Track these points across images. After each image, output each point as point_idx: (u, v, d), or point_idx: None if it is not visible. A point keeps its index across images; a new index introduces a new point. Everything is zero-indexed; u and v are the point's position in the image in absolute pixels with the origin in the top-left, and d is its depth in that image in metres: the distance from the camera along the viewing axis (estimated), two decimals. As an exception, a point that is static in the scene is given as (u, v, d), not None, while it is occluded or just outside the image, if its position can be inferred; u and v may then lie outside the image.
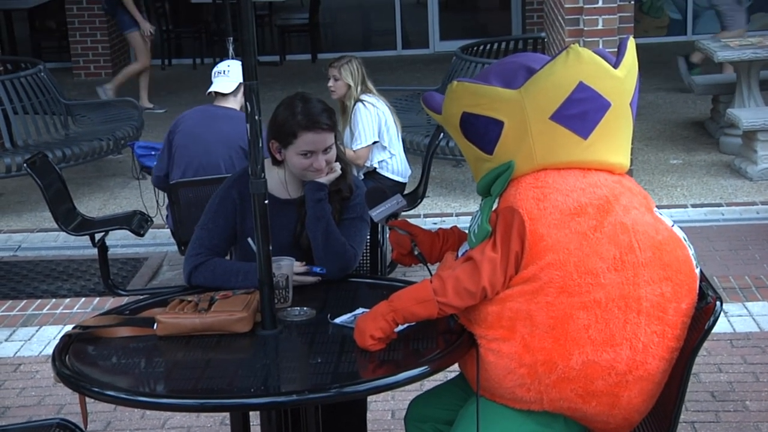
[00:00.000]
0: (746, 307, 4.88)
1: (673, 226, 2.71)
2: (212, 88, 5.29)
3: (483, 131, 2.67)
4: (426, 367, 2.59)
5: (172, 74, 11.52)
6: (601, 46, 6.46)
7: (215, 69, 5.38)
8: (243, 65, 2.73)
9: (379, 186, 3.30)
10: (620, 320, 2.56)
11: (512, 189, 2.66)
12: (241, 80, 5.17)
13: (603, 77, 2.62)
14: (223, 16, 8.69)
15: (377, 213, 2.97)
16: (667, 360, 2.64)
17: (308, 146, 3.13)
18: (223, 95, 5.26)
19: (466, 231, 2.88)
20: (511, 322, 2.60)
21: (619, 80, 2.65)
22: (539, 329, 2.57)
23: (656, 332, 2.60)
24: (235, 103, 5.25)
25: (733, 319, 4.75)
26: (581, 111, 2.61)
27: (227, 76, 5.27)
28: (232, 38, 7.50)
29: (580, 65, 2.61)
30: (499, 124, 2.64)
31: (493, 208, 2.67)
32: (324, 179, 3.18)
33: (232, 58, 6.26)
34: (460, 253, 2.81)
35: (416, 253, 2.94)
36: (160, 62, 11.93)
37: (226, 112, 5.21)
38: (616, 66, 2.65)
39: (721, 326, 4.61)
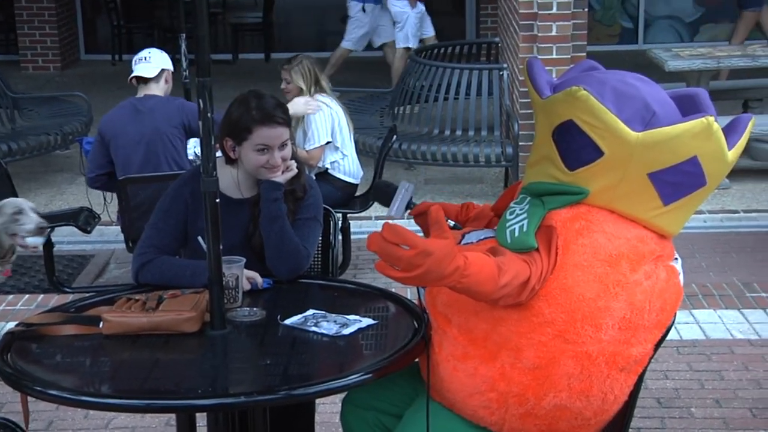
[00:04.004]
0: (693, 315, 4.93)
1: (681, 274, 2.67)
2: (134, 74, 5.23)
3: (578, 149, 2.54)
4: (375, 371, 2.56)
5: (123, 70, 11.38)
6: (554, 53, 6.48)
7: (135, 57, 5.33)
8: (197, 62, 2.69)
9: (382, 181, 3.19)
10: (603, 375, 2.54)
11: (563, 209, 2.57)
12: (164, 66, 5.22)
13: (716, 159, 2.55)
14: (177, 12, 8.60)
15: (395, 209, 2.88)
16: (626, 403, 2.64)
17: (263, 140, 3.10)
18: (146, 81, 5.21)
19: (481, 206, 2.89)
20: (497, 347, 2.55)
21: (726, 165, 2.58)
22: (522, 364, 2.53)
23: (629, 385, 2.61)
24: (158, 90, 5.23)
25: (680, 326, 4.79)
26: (678, 181, 2.54)
27: (149, 62, 5.24)
28: (184, 35, 7.42)
29: (705, 142, 2.51)
30: (598, 153, 2.52)
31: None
32: (280, 178, 3.15)
33: (185, 56, 6.19)
34: (473, 239, 2.69)
35: (451, 225, 2.85)
36: (110, 57, 11.78)
37: (153, 103, 5.17)
38: (731, 146, 2.56)
39: (667, 333, 4.65)
